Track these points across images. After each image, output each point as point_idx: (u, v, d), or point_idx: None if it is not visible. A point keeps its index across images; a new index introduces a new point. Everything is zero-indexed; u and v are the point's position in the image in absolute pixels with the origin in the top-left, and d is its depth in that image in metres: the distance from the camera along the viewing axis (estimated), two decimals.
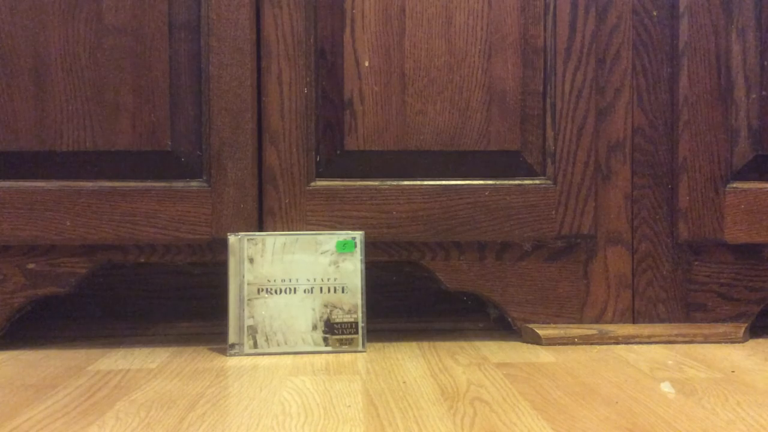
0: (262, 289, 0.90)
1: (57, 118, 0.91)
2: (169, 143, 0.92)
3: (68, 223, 0.91)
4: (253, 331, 0.89)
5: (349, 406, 0.69)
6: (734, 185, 0.95)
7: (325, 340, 0.91)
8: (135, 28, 0.91)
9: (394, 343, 0.95)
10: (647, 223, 0.96)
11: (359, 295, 0.91)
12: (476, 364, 0.84)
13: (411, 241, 0.95)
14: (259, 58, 0.93)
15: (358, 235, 0.91)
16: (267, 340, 0.90)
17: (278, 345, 0.90)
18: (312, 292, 0.90)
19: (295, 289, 0.90)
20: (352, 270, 0.91)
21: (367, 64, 0.94)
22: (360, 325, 0.91)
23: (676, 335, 0.95)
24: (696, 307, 0.97)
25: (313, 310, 0.90)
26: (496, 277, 0.96)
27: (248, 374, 0.81)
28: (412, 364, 0.84)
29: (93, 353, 0.91)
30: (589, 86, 0.95)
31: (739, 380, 0.77)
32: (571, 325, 0.96)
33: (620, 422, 0.64)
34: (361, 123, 0.94)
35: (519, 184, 0.95)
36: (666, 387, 0.74)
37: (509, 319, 0.97)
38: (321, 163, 0.95)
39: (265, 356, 0.89)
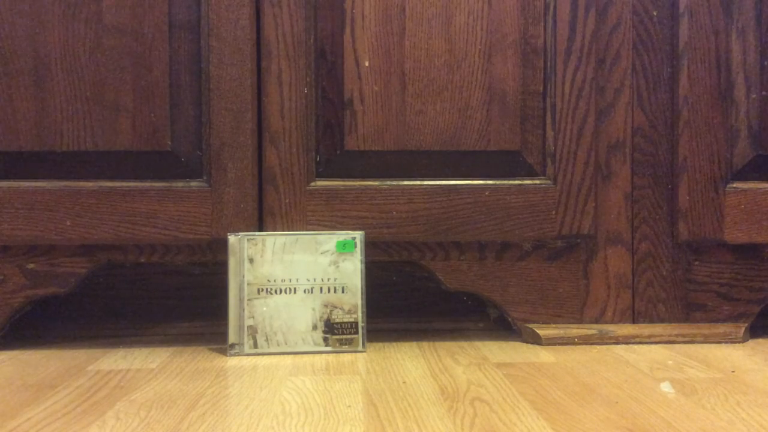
0: (262, 289, 0.90)
1: (57, 118, 0.91)
2: (169, 143, 0.92)
3: (68, 223, 0.91)
4: (253, 331, 0.89)
5: (349, 406, 0.69)
6: (734, 185, 0.95)
7: (325, 340, 0.91)
8: (135, 28, 0.91)
9: (394, 343, 0.95)
10: (647, 223, 0.96)
11: (359, 295, 0.91)
12: (476, 364, 0.84)
13: (411, 241, 0.95)
14: (259, 58, 0.93)
15: (358, 235, 0.91)
16: (267, 340, 0.90)
17: (278, 345, 0.90)
18: (312, 292, 0.91)
19: (295, 289, 0.90)
20: (352, 270, 0.91)
21: (367, 64, 0.94)
22: (360, 325, 0.91)
23: (676, 335, 0.95)
24: (696, 307, 0.97)
25: (313, 310, 0.90)
26: (496, 277, 0.96)
27: (248, 374, 0.81)
28: (412, 364, 0.84)
29: (93, 353, 0.91)
30: (589, 86, 0.95)
31: (739, 380, 0.77)
32: (571, 325, 0.96)
33: (620, 422, 0.64)
34: (361, 123, 0.94)
35: (519, 184, 0.95)
36: (666, 387, 0.74)
37: (509, 319, 0.97)
38: (321, 163, 0.95)
39: (265, 356, 0.89)
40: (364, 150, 0.94)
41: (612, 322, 0.96)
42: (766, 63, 0.95)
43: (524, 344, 0.95)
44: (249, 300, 0.90)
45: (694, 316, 0.97)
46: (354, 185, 0.94)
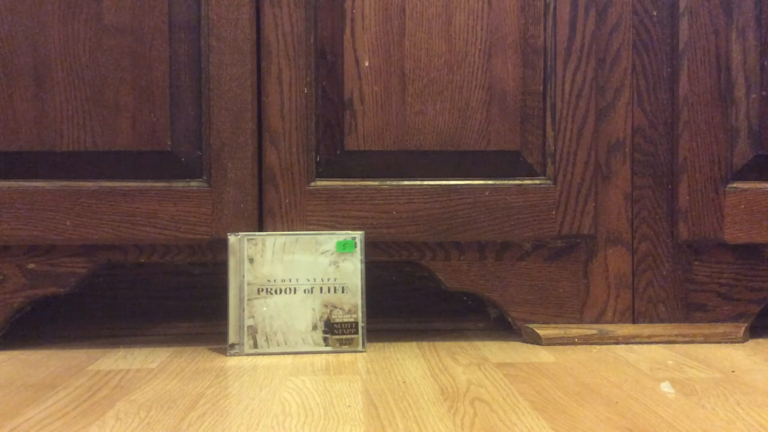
0: (262, 289, 0.90)
1: (57, 118, 0.91)
2: (169, 143, 0.92)
3: (68, 223, 0.91)
4: (253, 331, 0.89)
5: (349, 406, 0.69)
6: (734, 185, 0.95)
7: (325, 340, 0.91)
8: (135, 28, 0.91)
9: (394, 343, 0.95)
10: (647, 223, 0.96)
11: (359, 295, 0.91)
12: (476, 364, 0.84)
13: (411, 241, 0.95)
14: (259, 58, 0.93)
15: (358, 235, 0.91)
16: (267, 340, 0.90)
17: (278, 345, 0.90)
18: (312, 292, 0.91)
19: (295, 289, 0.90)
20: (352, 270, 0.91)
21: (367, 64, 0.94)
22: (360, 325, 0.91)
23: (676, 335, 0.95)
24: (696, 307, 0.97)
25: (313, 310, 0.90)
26: (496, 277, 0.96)
27: (248, 374, 0.81)
28: (412, 364, 0.84)
29: (93, 353, 0.91)
30: (589, 86, 0.95)
31: (739, 380, 0.77)
32: (571, 325, 0.96)
33: (620, 422, 0.64)
34: (361, 123, 0.94)
35: (519, 184, 0.95)
36: (666, 387, 0.74)
37: (509, 319, 0.97)
38: (321, 163, 0.95)
39: (265, 356, 0.89)
40: (364, 150, 0.94)
41: (612, 322, 0.96)
42: (766, 63, 0.95)
43: (524, 344, 0.95)
44: (249, 300, 0.90)
45: (694, 316, 0.97)
46: (354, 185, 0.94)
